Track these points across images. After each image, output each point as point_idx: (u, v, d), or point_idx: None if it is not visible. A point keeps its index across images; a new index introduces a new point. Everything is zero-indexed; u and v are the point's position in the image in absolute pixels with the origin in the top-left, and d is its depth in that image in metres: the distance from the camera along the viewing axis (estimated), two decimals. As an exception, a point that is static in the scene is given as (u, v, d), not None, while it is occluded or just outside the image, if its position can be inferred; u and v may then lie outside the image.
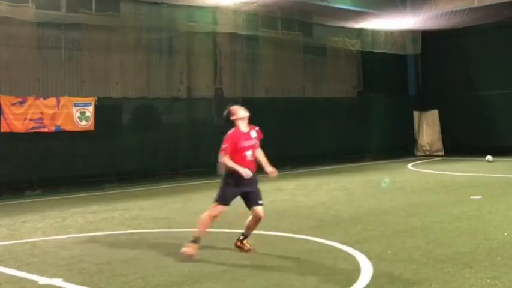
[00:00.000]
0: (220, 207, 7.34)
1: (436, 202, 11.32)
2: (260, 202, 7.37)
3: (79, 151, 15.98)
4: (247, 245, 7.45)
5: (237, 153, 7.27)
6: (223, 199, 7.32)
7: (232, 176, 7.27)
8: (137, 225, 9.80)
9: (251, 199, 7.34)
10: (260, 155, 7.55)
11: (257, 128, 7.56)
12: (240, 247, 7.45)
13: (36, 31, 15.41)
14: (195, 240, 7.18)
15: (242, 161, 7.25)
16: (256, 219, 7.39)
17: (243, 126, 7.39)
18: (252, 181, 7.33)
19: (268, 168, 7.43)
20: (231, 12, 18.62)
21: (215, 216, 7.36)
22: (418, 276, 6.00)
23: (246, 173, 7.13)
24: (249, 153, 7.32)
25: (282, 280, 6.02)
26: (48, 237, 8.95)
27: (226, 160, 7.29)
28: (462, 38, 23.20)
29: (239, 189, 7.30)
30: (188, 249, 7.10)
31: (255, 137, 7.46)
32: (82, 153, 16.03)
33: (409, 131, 24.81)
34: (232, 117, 7.42)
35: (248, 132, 7.41)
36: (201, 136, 18.62)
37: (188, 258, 6.99)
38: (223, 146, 7.30)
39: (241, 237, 7.50)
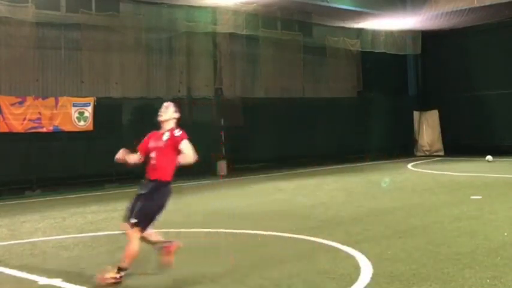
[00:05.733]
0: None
1: (436, 202, 11.32)
2: (130, 220, 6.08)
3: (79, 151, 15.98)
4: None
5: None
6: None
7: None
8: (137, 225, 9.77)
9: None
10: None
11: (176, 130, 6.44)
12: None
13: (35, 31, 15.42)
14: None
15: (148, 163, 6.43)
16: None
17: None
18: (144, 188, 6.27)
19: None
20: (231, 12, 18.63)
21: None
22: (418, 276, 6.00)
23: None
24: (152, 154, 6.36)
25: (282, 280, 6.02)
26: (48, 237, 8.95)
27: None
28: (462, 38, 23.21)
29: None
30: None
31: (166, 140, 6.35)
32: (82, 153, 16.03)
33: (409, 131, 24.81)
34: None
35: (161, 134, 6.44)
36: (201, 136, 18.59)
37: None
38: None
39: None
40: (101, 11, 16.58)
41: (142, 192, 6.23)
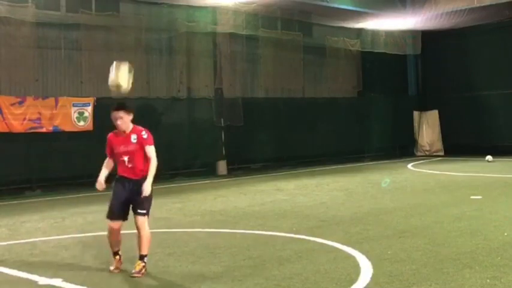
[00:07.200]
0: (109, 223, 6.60)
1: (436, 202, 11.32)
2: (139, 211, 6.51)
3: (79, 151, 15.96)
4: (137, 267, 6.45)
5: (115, 157, 6.67)
6: (109, 212, 6.63)
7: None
8: (137, 225, 9.77)
9: (132, 208, 6.58)
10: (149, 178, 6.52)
11: (143, 131, 6.63)
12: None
13: (35, 31, 15.40)
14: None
15: (120, 166, 6.64)
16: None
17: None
18: (134, 187, 6.51)
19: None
20: (231, 12, 18.63)
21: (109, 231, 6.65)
22: (418, 276, 6.00)
23: (98, 179, 6.58)
24: (125, 158, 6.55)
25: (282, 280, 6.02)
26: (48, 237, 8.95)
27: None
28: (462, 38, 23.21)
29: (122, 190, 6.58)
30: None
31: (135, 142, 6.56)
32: (82, 153, 16.00)
33: (409, 131, 24.82)
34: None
35: (127, 136, 6.58)
36: (201, 136, 18.62)
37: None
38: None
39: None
40: (101, 11, 16.56)
41: (131, 192, 6.52)
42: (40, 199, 14.10)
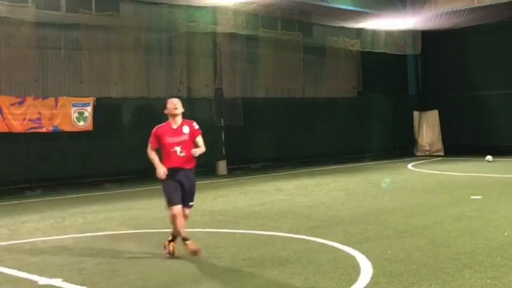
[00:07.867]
0: (173, 208, 7.08)
1: (436, 202, 11.32)
2: (190, 204, 7.29)
3: (79, 151, 15.97)
4: (171, 247, 7.27)
5: (163, 149, 7.14)
6: (169, 201, 7.09)
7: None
8: (137, 225, 9.79)
9: (183, 196, 7.14)
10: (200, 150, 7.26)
11: (194, 123, 7.36)
12: (165, 247, 7.32)
13: (35, 31, 15.41)
14: (172, 239, 7.27)
15: (169, 158, 7.09)
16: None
17: (172, 121, 7.26)
18: (186, 176, 7.15)
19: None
20: (231, 12, 18.63)
21: (173, 217, 7.13)
22: (418, 276, 6.00)
23: (160, 169, 6.97)
24: (177, 148, 7.09)
25: (282, 280, 6.02)
26: (48, 237, 8.95)
27: (148, 152, 7.22)
28: (462, 38, 23.21)
29: (176, 180, 7.06)
30: (169, 247, 7.17)
31: (188, 133, 7.21)
32: (82, 153, 16.02)
33: (409, 131, 24.81)
34: (165, 111, 7.29)
35: (178, 128, 7.20)
36: (201, 136, 18.59)
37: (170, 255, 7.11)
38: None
39: (169, 238, 7.33)
40: (101, 11, 16.57)
41: (185, 179, 7.10)
42: (40, 199, 14.10)
